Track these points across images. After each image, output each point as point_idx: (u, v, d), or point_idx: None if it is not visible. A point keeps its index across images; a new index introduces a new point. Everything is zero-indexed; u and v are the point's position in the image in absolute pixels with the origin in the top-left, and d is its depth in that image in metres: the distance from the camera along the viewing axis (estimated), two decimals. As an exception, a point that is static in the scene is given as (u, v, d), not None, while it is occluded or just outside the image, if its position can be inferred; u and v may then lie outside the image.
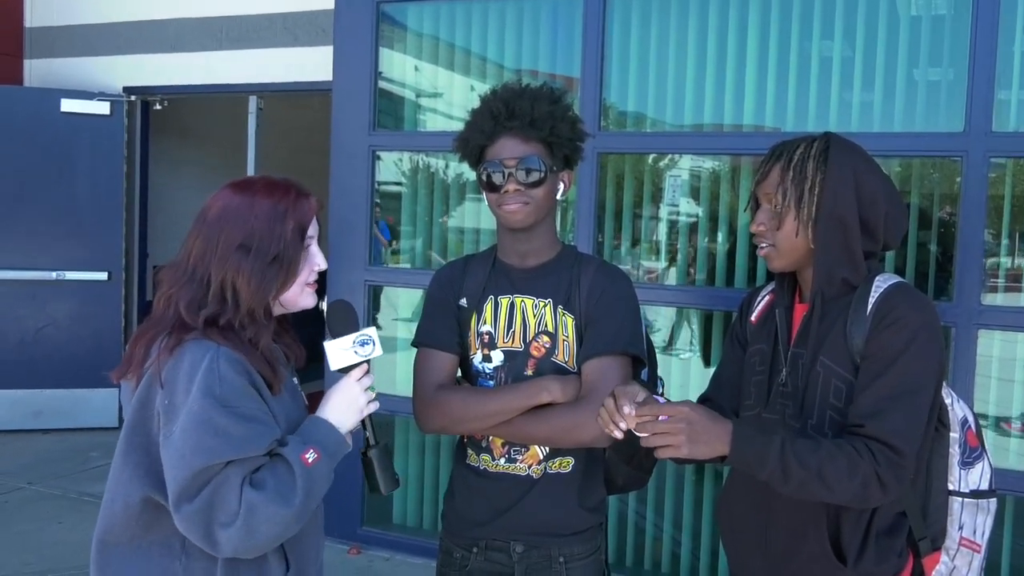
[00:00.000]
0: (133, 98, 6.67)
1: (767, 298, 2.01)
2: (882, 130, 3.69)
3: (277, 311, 1.76)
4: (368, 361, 1.80)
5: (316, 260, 1.75)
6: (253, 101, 6.48)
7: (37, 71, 6.92)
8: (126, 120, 6.58)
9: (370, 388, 1.79)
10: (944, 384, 1.87)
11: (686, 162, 4.29)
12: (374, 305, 4.58)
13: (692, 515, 4.14)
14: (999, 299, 3.68)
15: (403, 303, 4.69)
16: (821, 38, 3.80)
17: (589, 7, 4.03)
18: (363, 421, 1.79)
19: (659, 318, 4.29)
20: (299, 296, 1.74)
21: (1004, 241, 3.64)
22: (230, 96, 6.51)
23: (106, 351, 6.37)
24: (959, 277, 3.48)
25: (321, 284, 4.93)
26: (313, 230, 1.74)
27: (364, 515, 4.58)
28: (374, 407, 1.79)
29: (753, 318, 2.02)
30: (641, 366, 2.11)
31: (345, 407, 1.75)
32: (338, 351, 1.78)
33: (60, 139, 6.43)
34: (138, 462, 1.62)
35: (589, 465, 2.11)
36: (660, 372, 2.36)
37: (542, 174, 2.03)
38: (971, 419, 1.92)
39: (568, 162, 2.12)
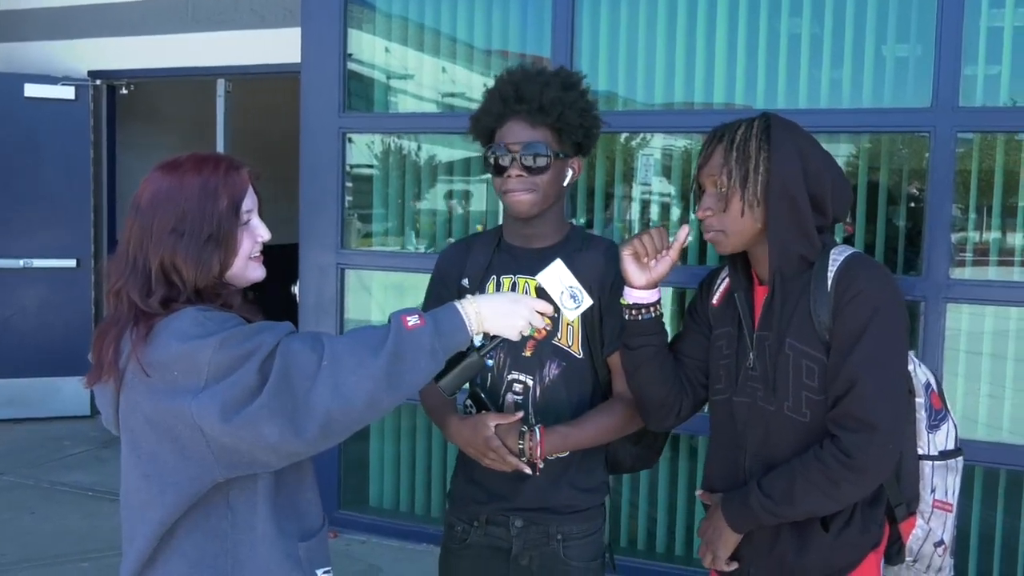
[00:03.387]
0: (98, 82, 6.57)
1: (727, 280, 2.00)
2: (851, 106, 3.71)
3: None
4: (553, 318, 1.78)
5: (258, 232, 1.69)
6: (221, 84, 6.40)
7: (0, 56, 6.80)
8: (92, 105, 6.49)
9: (532, 329, 1.71)
10: None
11: (658, 141, 4.29)
12: (346, 289, 4.56)
13: (667, 491, 4.17)
14: (967, 273, 3.72)
15: (376, 286, 4.67)
16: (790, 15, 3.81)
17: (558, -14, 4.02)
18: (493, 336, 1.70)
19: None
20: (245, 270, 1.68)
21: (972, 215, 3.68)
22: (198, 79, 6.43)
23: (77, 339, 6.29)
24: (928, 251, 3.51)
25: (289, 268, 4.89)
26: (251, 202, 1.68)
27: (340, 498, 4.58)
28: (515, 338, 1.71)
29: (715, 301, 2.01)
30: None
31: (505, 311, 1.67)
32: (555, 277, 1.77)
33: (24, 125, 6.33)
34: (174, 451, 1.52)
35: (588, 448, 2.11)
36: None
37: (547, 160, 2.02)
38: (933, 382, 1.95)
39: (580, 148, 2.12)
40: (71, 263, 6.45)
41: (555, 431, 2.01)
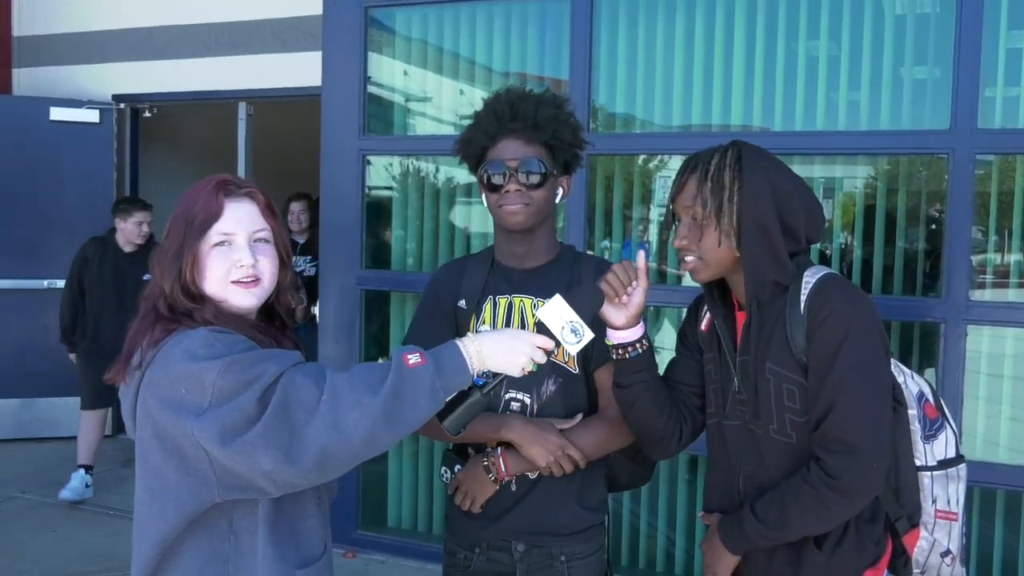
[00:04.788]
0: (122, 106, 6.66)
1: None
2: (869, 128, 3.72)
3: (229, 314, 1.71)
4: (549, 353, 1.71)
5: (235, 256, 1.68)
6: (243, 107, 6.48)
7: (26, 80, 6.90)
8: (115, 128, 6.59)
9: (534, 364, 1.69)
10: (895, 362, 1.91)
11: (675, 163, 4.30)
12: (367, 310, 4.58)
13: (686, 513, 4.15)
14: (987, 295, 3.70)
15: (396, 306, 4.69)
16: (808, 38, 3.82)
17: (576, 9, 4.05)
18: (496, 373, 1.69)
19: (650, 317, 4.31)
20: (224, 293, 1.68)
21: (992, 238, 3.67)
22: (220, 103, 6.51)
23: (98, 359, 6.35)
24: (947, 274, 3.50)
25: (312, 290, 4.89)
26: (236, 226, 1.69)
27: (359, 519, 4.58)
28: (517, 375, 1.69)
29: (703, 327, 2.02)
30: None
31: (507, 348, 1.65)
32: (555, 313, 1.74)
33: (50, 148, 6.42)
34: (179, 467, 1.54)
35: (588, 465, 2.10)
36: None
37: (543, 176, 2.04)
38: (927, 392, 1.95)
39: (567, 167, 2.14)
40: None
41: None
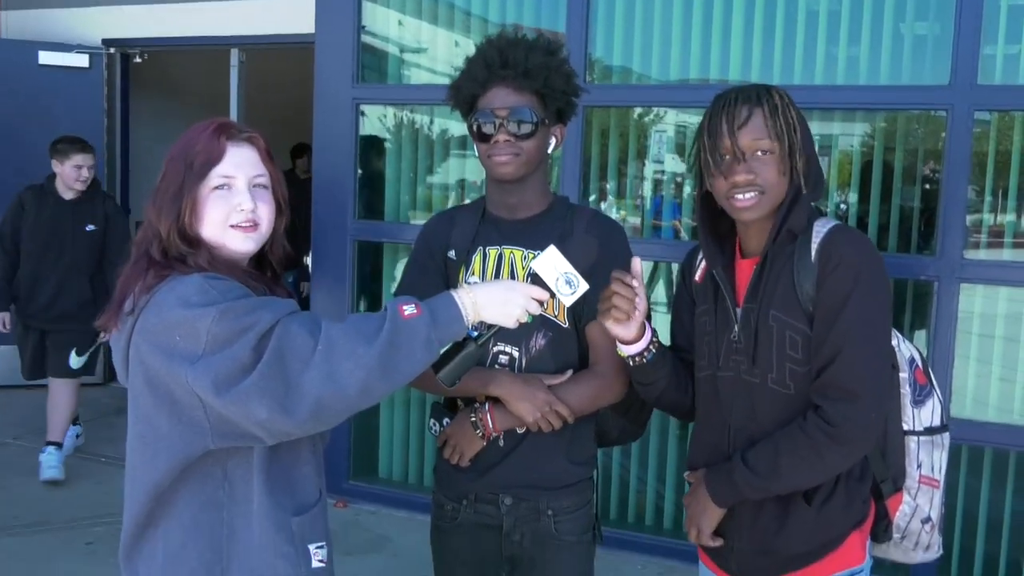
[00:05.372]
0: (112, 51, 6.56)
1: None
2: (868, 83, 3.68)
3: (223, 260, 1.69)
4: (542, 304, 1.69)
5: (235, 200, 1.65)
6: (235, 54, 6.38)
7: (14, 23, 6.78)
8: (105, 73, 6.49)
9: (528, 316, 1.68)
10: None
11: (671, 117, 4.27)
12: (360, 261, 4.57)
13: (676, 467, 4.18)
14: (981, 255, 3.70)
15: (388, 257, 4.67)
16: (808, -9, 3.78)
17: (575, -41, 3.99)
18: (490, 324, 1.68)
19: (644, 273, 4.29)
20: (222, 237, 1.66)
21: (988, 198, 3.66)
22: (212, 49, 6.42)
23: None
24: (942, 231, 3.50)
25: (305, 238, 4.84)
26: (236, 170, 1.66)
27: (351, 469, 4.61)
28: (511, 326, 1.68)
29: (697, 277, 2.00)
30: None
31: (501, 300, 1.64)
32: (549, 264, 1.71)
33: (38, 92, 6.32)
34: (171, 414, 1.53)
35: (578, 420, 2.08)
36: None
37: (533, 126, 2.00)
38: (918, 357, 1.95)
39: (561, 116, 2.09)
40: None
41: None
